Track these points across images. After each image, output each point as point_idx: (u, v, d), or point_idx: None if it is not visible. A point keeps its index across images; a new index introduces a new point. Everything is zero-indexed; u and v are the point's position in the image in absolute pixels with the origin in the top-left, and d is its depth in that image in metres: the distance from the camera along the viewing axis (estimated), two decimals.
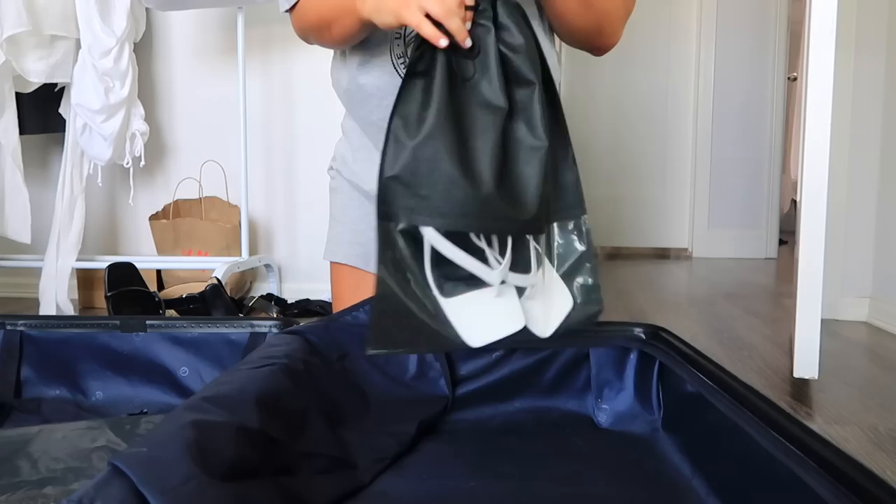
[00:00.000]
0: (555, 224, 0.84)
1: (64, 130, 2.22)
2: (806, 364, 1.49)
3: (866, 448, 1.22)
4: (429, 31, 0.78)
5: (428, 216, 0.74)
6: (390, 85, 1.00)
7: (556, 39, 1.07)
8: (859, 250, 2.29)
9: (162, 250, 2.40)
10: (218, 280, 1.85)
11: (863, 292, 2.28)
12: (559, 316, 0.82)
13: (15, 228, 2.14)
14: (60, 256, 2.17)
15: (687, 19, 3.92)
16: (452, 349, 0.79)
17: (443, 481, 0.76)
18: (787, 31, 3.83)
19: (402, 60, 0.99)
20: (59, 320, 1.09)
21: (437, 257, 0.75)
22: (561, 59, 3.65)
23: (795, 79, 3.85)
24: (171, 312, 1.68)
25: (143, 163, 2.25)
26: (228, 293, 1.87)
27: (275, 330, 1.04)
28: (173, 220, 2.39)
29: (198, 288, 1.81)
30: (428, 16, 0.78)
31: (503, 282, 0.77)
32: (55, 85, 2.19)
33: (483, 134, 0.77)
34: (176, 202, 2.46)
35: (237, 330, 1.06)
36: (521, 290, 0.79)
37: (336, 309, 1.14)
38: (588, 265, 0.84)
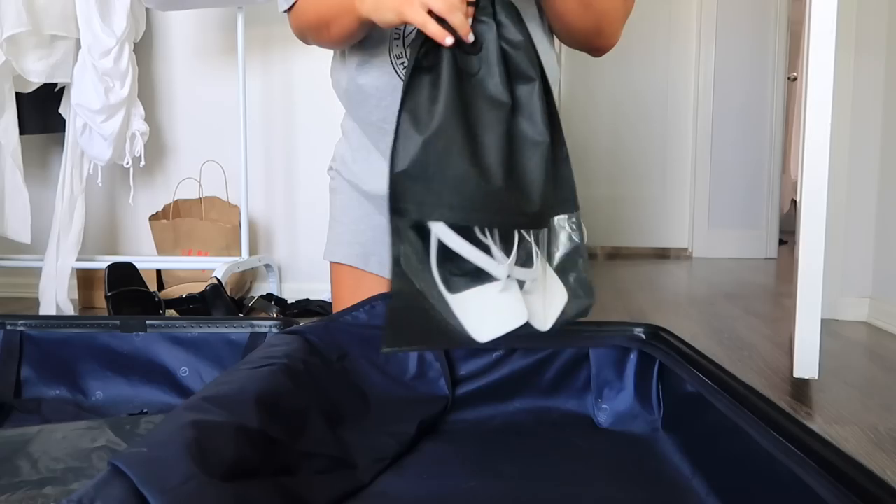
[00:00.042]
0: (553, 219, 0.84)
1: (64, 130, 2.22)
2: (806, 364, 1.49)
3: (866, 448, 1.22)
4: (434, 30, 0.78)
5: (438, 210, 0.74)
6: (389, 85, 1.00)
7: (556, 40, 1.07)
8: (859, 250, 2.29)
9: (162, 250, 2.40)
10: (218, 280, 1.85)
11: (863, 292, 2.28)
12: (556, 310, 0.82)
13: (15, 228, 2.14)
14: (60, 256, 2.17)
15: (687, 19, 3.92)
16: (462, 345, 0.79)
17: (443, 481, 0.76)
18: (787, 31, 3.84)
19: (401, 61, 0.99)
20: (59, 320, 1.08)
21: (443, 253, 0.75)
22: (561, 59, 3.66)
23: (795, 79, 3.85)
24: (171, 312, 1.68)
25: (143, 163, 2.25)
26: (228, 293, 1.87)
27: (275, 330, 1.04)
28: (173, 220, 2.39)
29: (198, 288, 1.81)
30: (430, 12, 0.78)
31: (508, 276, 0.78)
32: (55, 85, 2.20)
33: (489, 128, 0.78)
34: (176, 202, 2.46)
35: (237, 330, 1.06)
36: (520, 285, 0.80)
37: (336, 309, 1.14)
38: (580, 260, 0.85)
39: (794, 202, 3.93)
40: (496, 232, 0.77)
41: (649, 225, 4.03)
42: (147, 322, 1.06)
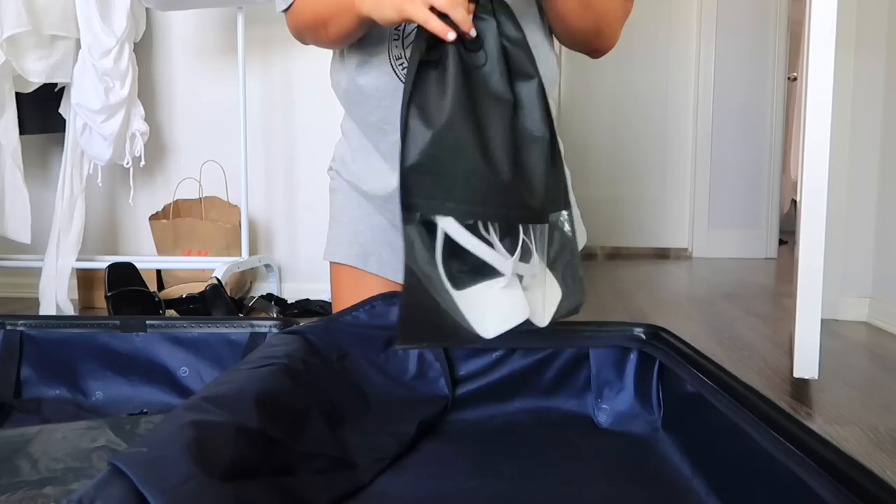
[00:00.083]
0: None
1: (64, 130, 2.23)
2: (806, 364, 1.49)
3: (866, 448, 1.22)
4: (436, 26, 0.78)
5: (448, 204, 0.74)
6: (388, 86, 1.00)
7: (555, 41, 1.07)
8: (859, 250, 2.29)
9: (162, 250, 2.40)
10: (218, 280, 1.85)
11: (863, 292, 2.28)
12: (553, 306, 0.83)
13: (15, 228, 2.14)
14: (60, 256, 2.17)
15: (687, 19, 3.92)
16: (469, 342, 0.79)
17: (443, 481, 0.76)
18: (787, 31, 3.84)
19: (400, 62, 0.99)
20: (59, 320, 1.08)
21: (448, 249, 0.75)
22: (560, 59, 3.65)
23: (795, 79, 3.85)
24: (171, 312, 1.68)
25: (143, 163, 2.25)
26: (228, 293, 1.87)
27: (275, 330, 1.04)
28: (173, 220, 2.39)
29: (198, 288, 1.81)
30: (432, 8, 0.78)
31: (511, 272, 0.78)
32: (55, 85, 2.20)
33: (494, 123, 0.78)
34: (176, 202, 2.46)
35: (237, 330, 1.06)
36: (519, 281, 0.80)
37: (336, 309, 1.14)
38: (573, 257, 0.85)
39: (794, 202, 3.93)
40: (497, 227, 0.78)
41: (649, 225, 4.03)
42: (147, 322, 1.06)
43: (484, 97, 0.79)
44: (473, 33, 0.79)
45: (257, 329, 1.06)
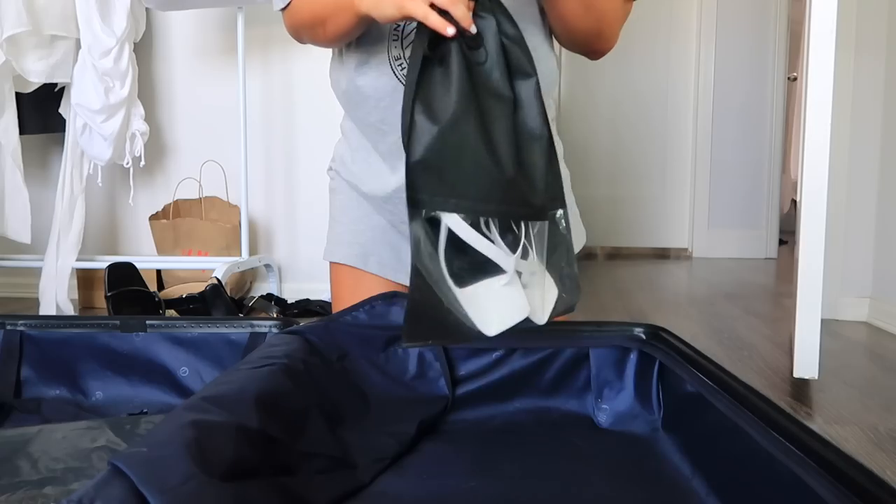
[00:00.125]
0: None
1: (64, 130, 2.23)
2: (806, 364, 1.49)
3: (866, 448, 1.22)
4: (436, 22, 0.78)
5: (453, 201, 0.74)
6: (388, 86, 1.00)
7: (555, 43, 1.07)
8: (859, 250, 2.29)
9: (162, 250, 2.40)
10: (218, 280, 1.85)
11: (863, 292, 2.29)
12: (550, 304, 0.83)
13: (15, 228, 2.14)
14: (60, 256, 2.17)
15: (687, 19, 3.92)
16: (472, 340, 0.79)
17: (443, 481, 0.76)
18: (787, 31, 3.84)
19: (399, 62, 0.99)
20: (59, 320, 1.08)
21: (450, 246, 0.75)
22: (560, 60, 3.65)
23: (795, 79, 3.85)
24: (171, 312, 1.68)
25: (143, 163, 2.25)
26: (228, 293, 1.87)
27: (275, 330, 1.04)
28: (173, 220, 2.40)
29: (198, 288, 1.81)
30: (432, 5, 0.78)
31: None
32: (55, 85, 2.20)
33: (497, 121, 0.78)
34: (176, 202, 2.46)
35: (237, 330, 1.06)
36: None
37: (336, 309, 1.14)
38: (568, 255, 0.86)
39: (794, 202, 3.93)
40: (497, 224, 0.78)
41: (649, 225, 4.03)
42: (147, 322, 1.06)
43: (486, 94, 0.79)
44: (474, 30, 0.80)
45: (257, 329, 1.06)
